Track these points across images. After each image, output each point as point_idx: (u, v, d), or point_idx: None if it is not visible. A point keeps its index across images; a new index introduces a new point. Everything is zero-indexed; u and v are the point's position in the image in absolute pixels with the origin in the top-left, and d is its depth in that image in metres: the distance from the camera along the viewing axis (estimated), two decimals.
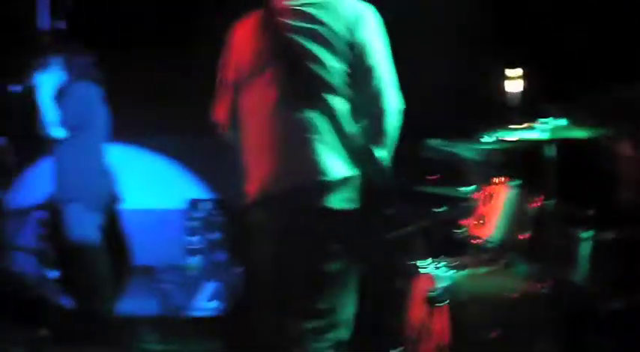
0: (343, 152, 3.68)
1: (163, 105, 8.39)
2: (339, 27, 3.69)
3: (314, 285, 3.71)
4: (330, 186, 3.64)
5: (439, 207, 5.37)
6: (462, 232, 5.21)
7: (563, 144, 4.88)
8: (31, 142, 6.80)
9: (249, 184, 3.84)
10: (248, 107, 3.87)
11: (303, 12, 3.74)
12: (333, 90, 3.68)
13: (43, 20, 3.92)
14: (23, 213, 8.07)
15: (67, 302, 7.23)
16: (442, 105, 6.90)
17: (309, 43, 3.69)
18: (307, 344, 3.71)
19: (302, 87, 3.68)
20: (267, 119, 3.76)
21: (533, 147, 5.00)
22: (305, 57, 3.68)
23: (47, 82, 6.41)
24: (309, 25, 3.71)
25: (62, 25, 3.86)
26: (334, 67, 3.67)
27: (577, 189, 4.97)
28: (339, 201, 3.65)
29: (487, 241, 5.03)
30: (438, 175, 5.77)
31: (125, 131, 7.30)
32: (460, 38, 7.12)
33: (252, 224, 3.85)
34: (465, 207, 5.34)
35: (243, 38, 3.91)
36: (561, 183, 4.84)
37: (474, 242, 5.16)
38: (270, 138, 3.74)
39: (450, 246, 5.26)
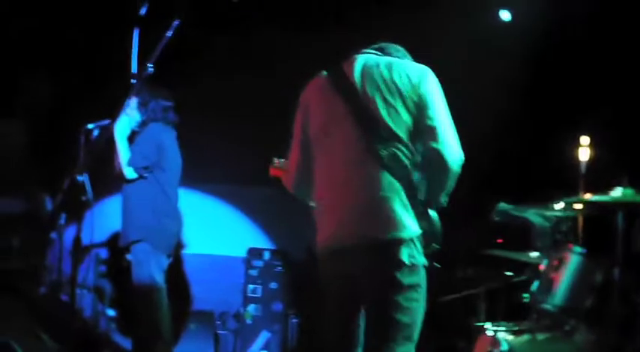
0: (412, 209, 3.81)
1: (231, 154, 8.50)
2: (404, 85, 3.88)
3: (387, 331, 3.81)
4: (403, 243, 3.76)
5: (505, 271, 5.36)
6: (525, 296, 5.19)
7: (630, 213, 4.88)
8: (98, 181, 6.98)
9: (321, 235, 3.97)
10: (324, 164, 4.00)
11: (372, 72, 3.94)
12: (404, 145, 3.84)
13: (133, 63, 4.04)
14: (85, 250, 8.18)
15: (123, 341, 7.26)
16: (513, 171, 6.91)
17: (380, 101, 3.87)
18: None
19: (376, 143, 3.82)
20: (344, 175, 3.89)
21: (600, 216, 5.00)
22: (377, 114, 3.85)
23: (124, 122, 6.52)
24: (378, 84, 3.90)
25: (150, 69, 3.94)
26: (403, 123, 3.84)
27: None
28: (407, 257, 3.76)
29: (550, 307, 5.01)
30: (506, 239, 5.77)
31: (193, 176, 7.42)
32: (533, 105, 7.15)
33: (325, 273, 3.96)
34: (530, 272, 5.33)
35: (315, 98, 4.10)
36: (627, 252, 4.83)
37: (537, 307, 5.14)
38: (349, 193, 3.86)
39: (513, 309, 5.24)
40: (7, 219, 7.13)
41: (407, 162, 3.83)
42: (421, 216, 3.83)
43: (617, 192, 4.93)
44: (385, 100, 3.86)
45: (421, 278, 3.83)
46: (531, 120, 7.20)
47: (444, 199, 3.95)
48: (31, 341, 5.27)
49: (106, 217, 7.08)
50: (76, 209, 4.05)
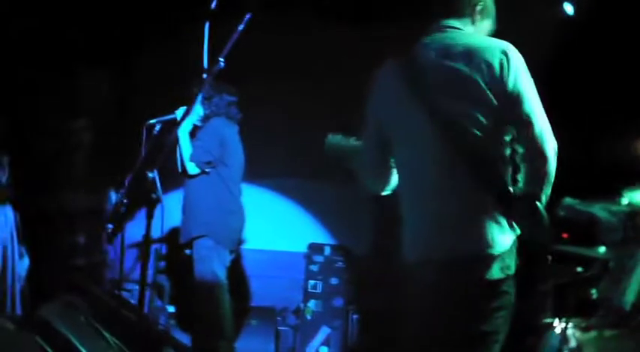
0: (504, 219, 3.52)
1: (291, 149, 8.49)
2: (487, 77, 3.49)
3: (472, 343, 3.59)
4: (494, 258, 3.50)
5: (572, 266, 5.27)
6: (594, 293, 5.11)
7: None
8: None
9: (407, 243, 3.75)
10: (405, 163, 3.75)
11: (449, 67, 3.56)
12: (489, 145, 3.52)
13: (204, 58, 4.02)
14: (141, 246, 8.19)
15: (183, 337, 7.26)
16: (578, 164, 6.83)
17: (458, 103, 3.52)
18: None
19: (459, 149, 3.51)
20: (428, 182, 3.61)
21: None
22: (457, 118, 3.51)
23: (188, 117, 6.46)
24: (455, 82, 3.54)
25: (221, 64, 3.91)
26: (486, 121, 3.50)
27: None
28: (498, 271, 3.51)
29: (619, 303, 4.92)
30: (572, 234, 5.69)
31: (253, 171, 7.43)
32: (598, 95, 7.05)
33: (411, 284, 3.76)
34: (598, 268, 5.24)
35: (386, 89, 3.78)
36: None
37: (605, 303, 5.05)
38: (433, 205, 3.61)
39: (581, 305, 5.16)
40: (73, 216, 7.17)
41: (495, 166, 3.52)
42: (523, 216, 3.49)
43: None
44: (464, 100, 3.51)
45: (510, 287, 3.57)
46: (597, 110, 7.08)
47: (548, 191, 3.55)
48: (93, 339, 5.27)
49: (165, 213, 7.08)
50: (145, 205, 4.01)
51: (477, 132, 3.48)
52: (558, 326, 5.05)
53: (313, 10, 8.00)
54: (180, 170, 6.51)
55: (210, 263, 6.39)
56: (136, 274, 8.30)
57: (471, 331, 3.55)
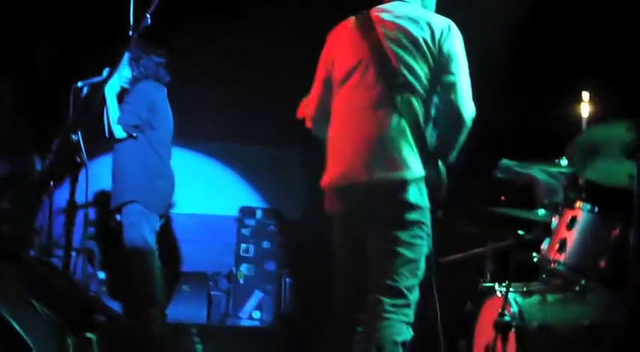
0: (419, 153, 3.98)
1: (224, 112, 8.36)
2: (427, 39, 4.04)
3: (393, 266, 3.96)
4: (409, 182, 3.93)
5: (511, 229, 5.20)
6: (535, 256, 5.05)
7: None
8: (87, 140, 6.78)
9: (329, 173, 4.16)
10: (341, 105, 4.18)
11: (398, 24, 4.10)
12: (419, 95, 4.01)
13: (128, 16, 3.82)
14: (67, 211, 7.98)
15: (115, 305, 7.10)
16: (514, 127, 6.81)
17: (401, 52, 4.04)
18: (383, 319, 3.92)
19: (393, 90, 4.00)
20: (358, 117, 4.08)
21: None
22: (397, 64, 4.03)
23: (114, 79, 6.27)
24: (402, 36, 4.07)
25: (148, 21, 3.73)
26: (422, 74, 4.02)
27: None
28: (415, 196, 3.95)
29: (561, 266, 4.86)
30: (510, 196, 5.64)
31: (184, 134, 7.26)
32: (535, 59, 7.02)
33: (330, 210, 4.18)
34: (539, 231, 5.18)
35: (342, 42, 4.26)
36: None
37: (548, 267, 4.99)
38: (360, 133, 4.05)
39: (523, 269, 5.09)
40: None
41: (420, 111, 4.00)
42: (428, 165, 3.98)
43: None
44: (407, 52, 4.03)
45: (425, 217, 4.00)
46: (533, 75, 7.05)
47: (454, 154, 4.10)
48: (22, 307, 5.07)
49: (94, 177, 6.86)
50: (69, 169, 3.85)
51: (413, 82, 4.01)
52: (499, 290, 4.98)
53: None
54: (107, 134, 6.29)
55: (140, 228, 6.20)
56: (64, 240, 8.12)
57: (390, 252, 3.96)
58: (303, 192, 8.59)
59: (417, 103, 3.99)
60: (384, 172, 3.95)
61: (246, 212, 8.49)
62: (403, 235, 3.94)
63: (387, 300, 3.92)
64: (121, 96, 6.39)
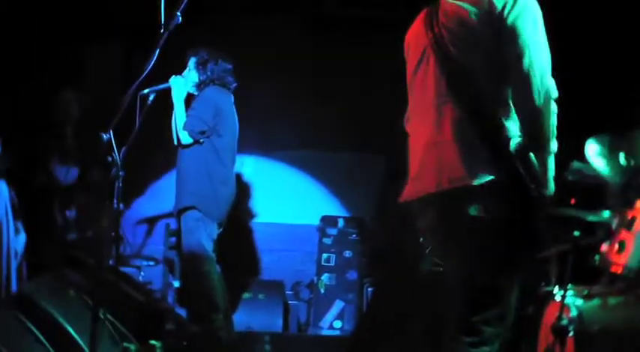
0: (490, 154, 3.38)
1: (303, 120, 8.37)
2: (488, 14, 3.42)
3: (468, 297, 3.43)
4: (476, 192, 3.35)
5: (576, 232, 5.01)
6: (597, 259, 4.88)
7: None
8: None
9: (405, 186, 3.70)
10: (411, 104, 3.80)
11: (456, 4, 3.53)
12: (480, 82, 3.46)
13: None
14: (151, 221, 8.11)
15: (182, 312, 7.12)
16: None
17: (457, 34, 3.51)
18: None
19: (453, 88, 3.50)
20: (421, 117, 3.65)
21: None
22: (453, 48, 3.51)
23: (180, 84, 6.30)
24: (458, 17, 3.51)
25: (177, 20, 3.73)
26: (481, 57, 3.45)
27: None
28: (475, 210, 3.34)
29: (623, 269, 4.69)
30: (577, 198, 5.46)
31: (264, 143, 7.26)
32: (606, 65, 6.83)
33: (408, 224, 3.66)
34: (602, 233, 5.01)
35: (412, 37, 3.83)
36: None
37: (609, 269, 4.82)
38: (421, 136, 3.61)
39: (584, 272, 4.93)
40: (66, 190, 7.07)
41: (484, 99, 3.44)
42: (506, 163, 3.35)
43: None
44: (463, 34, 3.48)
45: (493, 232, 3.34)
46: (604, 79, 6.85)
47: (550, 143, 3.43)
48: (80, 314, 5.13)
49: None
50: (101, 168, 3.86)
51: (472, 66, 3.45)
52: (560, 293, 4.82)
53: None
54: (174, 140, 6.33)
55: (198, 234, 6.19)
56: (146, 250, 8.24)
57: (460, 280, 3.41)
58: (385, 199, 8.50)
59: (483, 98, 3.44)
60: (439, 183, 3.45)
61: (328, 221, 8.43)
62: (465, 257, 3.39)
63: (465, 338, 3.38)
64: (188, 101, 6.42)
